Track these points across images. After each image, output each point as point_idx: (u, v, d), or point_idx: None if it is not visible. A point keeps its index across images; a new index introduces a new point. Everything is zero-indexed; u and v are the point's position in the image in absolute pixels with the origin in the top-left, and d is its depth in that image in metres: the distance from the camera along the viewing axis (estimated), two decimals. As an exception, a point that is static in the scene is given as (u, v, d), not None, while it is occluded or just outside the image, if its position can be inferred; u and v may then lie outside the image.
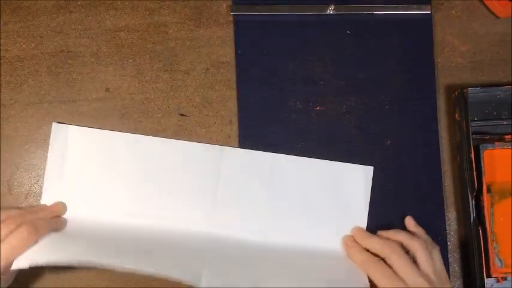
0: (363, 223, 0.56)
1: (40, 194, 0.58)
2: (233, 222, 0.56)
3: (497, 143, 0.55)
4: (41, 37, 0.59)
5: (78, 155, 0.57)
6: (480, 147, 0.54)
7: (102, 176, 0.57)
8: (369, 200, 0.56)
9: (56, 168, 0.57)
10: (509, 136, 0.55)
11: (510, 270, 0.53)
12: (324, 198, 0.56)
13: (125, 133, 0.57)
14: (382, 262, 0.49)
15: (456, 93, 0.57)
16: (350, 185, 0.56)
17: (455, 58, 0.59)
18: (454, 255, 0.57)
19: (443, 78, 0.59)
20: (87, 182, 0.57)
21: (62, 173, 0.57)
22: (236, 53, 0.59)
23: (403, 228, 0.55)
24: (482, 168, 0.54)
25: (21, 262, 0.47)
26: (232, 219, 0.56)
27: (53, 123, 0.57)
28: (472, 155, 0.54)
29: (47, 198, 0.57)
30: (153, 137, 0.57)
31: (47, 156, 0.57)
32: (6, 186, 0.58)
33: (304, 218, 0.56)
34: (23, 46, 0.59)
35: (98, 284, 0.57)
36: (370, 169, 0.56)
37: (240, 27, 0.59)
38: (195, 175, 0.57)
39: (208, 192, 0.56)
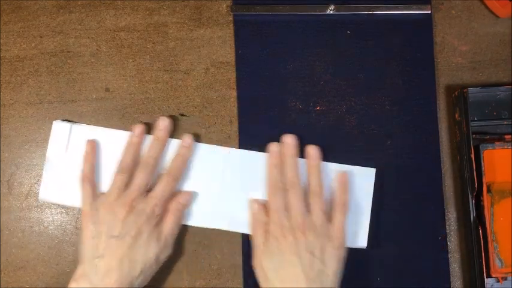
0: (366, 225, 0.56)
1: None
2: (236, 220, 0.56)
3: (497, 143, 0.55)
4: (41, 37, 0.59)
5: (79, 152, 0.57)
6: (480, 147, 0.54)
7: (102, 174, 0.57)
8: (371, 201, 0.56)
9: (55, 165, 0.57)
10: (509, 136, 0.55)
11: (510, 270, 0.53)
12: (326, 200, 0.56)
13: (127, 131, 0.57)
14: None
15: (456, 93, 0.57)
16: (353, 187, 0.56)
17: (455, 58, 0.59)
18: (454, 255, 0.57)
19: (443, 78, 0.59)
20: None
21: (61, 171, 0.57)
22: (236, 53, 0.59)
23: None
24: (482, 168, 0.54)
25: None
26: (234, 217, 0.56)
27: (54, 121, 0.57)
28: (472, 155, 0.54)
29: (45, 195, 0.57)
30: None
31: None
32: (6, 186, 0.58)
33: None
34: (23, 46, 0.59)
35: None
36: (372, 171, 0.56)
37: (240, 27, 0.59)
38: (197, 174, 0.57)
39: (212, 192, 0.57)
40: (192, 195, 0.56)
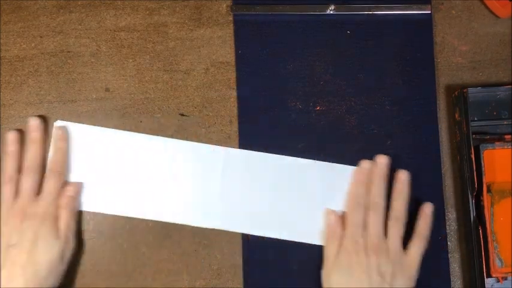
0: None
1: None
2: (235, 221, 0.56)
3: (497, 143, 0.55)
4: (41, 37, 0.59)
5: (80, 153, 0.57)
6: (480, 147, 0.54)
7: (104, 175, 0.57)
8: None
9: None
10: (509, 136, 0.55)
11: (510, 270, 0.53)
12: (328, 201, 0.56)
13: (128, 132, 0.57)
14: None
15: (456, 93, 0.57)
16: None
17: (455, 58, 0.59)
18: (454, 255, 0.57)
19: (443, 78, 0.59)
20: (89, 180, 0.57)
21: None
22: (236, 53, 0.59)
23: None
24: (482, 168, 0.54)
25: None
26: (234, 217, 0.56)
27: (55, 122, 0.57)
28: (472, 155, 0.54)
29: None
30: (155, 137, 0.57)
31: (49, 144, 0.57)
32: (6, 186, 0.58)
33: (306, 218, 0.56)
34: (23, 46, 0.59)
35: (98, 284, 0.57)
36: None
37: (240, 27, 0.59)
38: (197, 175, 0.57)
39: (211, 193, 0.57)
40: (80, 184, 0.56)
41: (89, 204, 0.57)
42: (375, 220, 0.53)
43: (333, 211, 0.55)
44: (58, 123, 0.57)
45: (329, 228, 0.55)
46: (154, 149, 0.57)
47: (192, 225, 0.56)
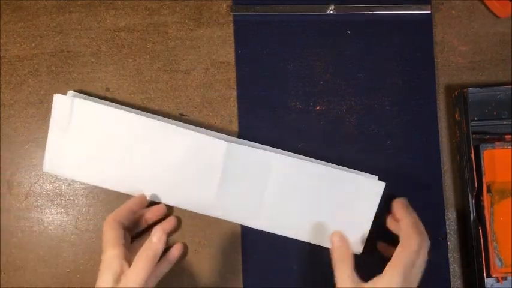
0: (365, 234, 0.56)
1: (40, 194, 0.58)
2: (233, 214, 0.56)
3: (497, 143, 0.55)
4: (41, 37, 0.59)
5: (81, 128, 0.56)
6: (480, 147, 0.54)
7: (103, 152, 0.56)
8: (374, 214, 0.55)
9: (58, 138, 0.56)
10: (509, 136, 0.55)
11: (510, 270, 0.53)
12: (329, 204, 0.56)
13: (131, 112, 0.56)
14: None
15: (456, 93, 0.57)
16: (359, 196, 0.56)
17: (455, 58, 0.59)
18: (454, 255, 0.57)
19: (443, 78, 0.59)
20: (88, 156, 0.56)
21: (65, 143, 0.56)
22: (236, 53, 0.59)
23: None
24: (482, 168, 0.54)
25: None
26: (233, 209, 0.56)
27: (55, 94, 0.56)
28: (472, 155, 0.54)
29: (48, 167, 0.57)
30: (159, 121, 0.56)
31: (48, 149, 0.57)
32: (6, 186, 0.58)
33: (305, 218, 0.56)
34: (23, 46, 0.59)
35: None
36: (382, 184, 0.55)
37: (240, 27, 0.59)
38: (197, 164, 0.56)
39: (210, 183, 0.56)
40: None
41: (86, 176, 0.56)
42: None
43: (338, 232, 0.52)
44: (57, 96, 0.56)
45: (336, 250, 0.52)
46: (159, 132, 0.56)
47: (182, 207, 0.56)
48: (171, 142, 0.56)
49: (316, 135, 0.58)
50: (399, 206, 0.53)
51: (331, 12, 0.59)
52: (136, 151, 0.56)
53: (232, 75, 0.59)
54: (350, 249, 0.51)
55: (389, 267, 0.48)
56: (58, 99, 0.56)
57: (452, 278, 0.57)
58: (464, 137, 0.55)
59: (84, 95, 0.58)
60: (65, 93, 0.57)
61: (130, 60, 0.59)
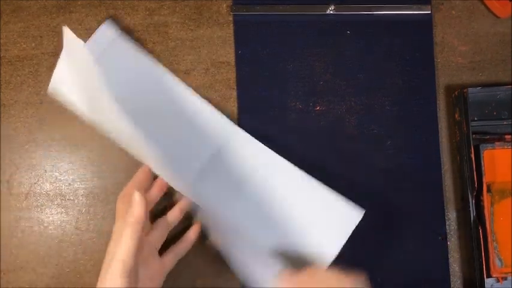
0: (328, 260, 0.53)
1: (40, 194, 0.58)
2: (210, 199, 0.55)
3: (497, 143, 0.55)
4: (41, 37, 0.59)
5: (108, 64, 0.56)
6: (480, 147, 0.54)
7: (117, 96, 0.50)
8: (345, 241, 0.53)
9: (72, 60, 0.54)
10: (509, 136, 0.55)
11: (510, 270, 0.53)
12: (303, 218, 0.54)
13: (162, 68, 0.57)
14: None
15: (456, 93, 0.57)
16: (335, 219, 0.54)
17: (455, 58, 0.59)
18: (454, 255, 0.57)
19: (443, 78, 0.59)
20: (99, 93, 0.51)
21: (77, 69, 0.54)
22: (236, 53, 0.59)
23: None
24: (482, 168, 0.54)
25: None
26: (208, 193, 0.55)
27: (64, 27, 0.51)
28: (472, 155, 0.54)
29: (54, 88, 0.55)
30: (185, 86, 0.57)
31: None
32: (6, 186, 0.58)
33: (275, 223, 0.55)
34: (23, 46, 0.59)
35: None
36: (361, 212, 0.53)
37: (240, 27, 0.59)
38: (197, 135, 0.56)
39: (198, 159, 0.56)
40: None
41: (88, 112, 0.54)
42: None
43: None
44: (105, 24, 0.56)
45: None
46: (179, 97, 0.57)
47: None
48: (182, 106, 0.56)
49: (316, 135, 0.58)
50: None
51: (331, 12, 0.59)
52: (149, 107, 0.56)
53: (232, 75, 0.59)
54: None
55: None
56: (104, 27, 0.56)
57: (452, 278, 0.57)
58: (464, 137, 0.55)
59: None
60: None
61: (131, 60, 0.59)
